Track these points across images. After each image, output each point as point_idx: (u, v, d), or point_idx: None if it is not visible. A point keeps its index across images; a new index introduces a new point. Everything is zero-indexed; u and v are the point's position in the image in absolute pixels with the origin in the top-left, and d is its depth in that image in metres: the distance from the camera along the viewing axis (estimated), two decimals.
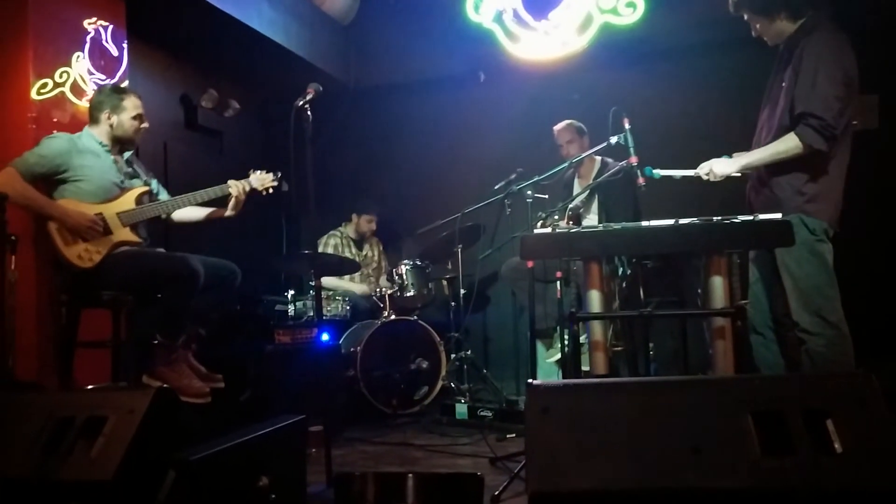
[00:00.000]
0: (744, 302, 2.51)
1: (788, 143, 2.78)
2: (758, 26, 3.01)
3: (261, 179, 3.56)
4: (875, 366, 1.67)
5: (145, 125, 3.47)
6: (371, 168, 5.90)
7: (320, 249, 5.17)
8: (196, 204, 3.46)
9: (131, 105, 3.40)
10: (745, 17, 3.04)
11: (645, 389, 1.73)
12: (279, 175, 3.62)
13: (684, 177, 3.04)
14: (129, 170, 3.50)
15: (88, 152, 3.29)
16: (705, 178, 2.93)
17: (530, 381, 1.76)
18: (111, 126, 3.36)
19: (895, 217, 4.20)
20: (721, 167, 2.90)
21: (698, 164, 3.03)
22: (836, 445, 1.50)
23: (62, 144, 3.24)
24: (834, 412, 1.54)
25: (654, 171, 2.99)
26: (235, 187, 3.45)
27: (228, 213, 3.55)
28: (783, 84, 2.88)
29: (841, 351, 2.72)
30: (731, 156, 2.98)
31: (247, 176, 3.57)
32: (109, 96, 3.40)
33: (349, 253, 5.29)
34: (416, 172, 5.71)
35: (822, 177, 2.79)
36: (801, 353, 2.77)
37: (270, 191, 3.60)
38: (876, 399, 1.55)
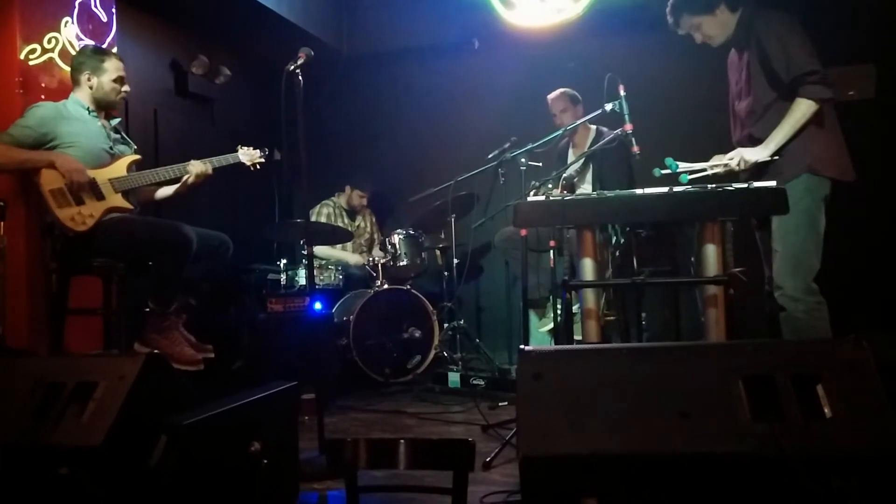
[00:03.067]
0: (737, 270, 2.51)
1: (801, 108, 2.80)
2: (702, 28, 3.06)
3: (249, 155, 3.56)
4: (867, 335, 1.66)
5: (126, 89, 3.41)
6: (364, 136, 5.85)
7: (313, 218, 5.14)
8: (163, 180, 3.40)
9: (112, 67, 3.34)
10: (687, 28, 3.09)
11: (636, 355, 1.73)
12: (266, 151, 3.61)
13: (706, 169, 2.95)
14: (118, 136, 3.46)
15: (75, 119, 3.25)
16: (736, 167, 2.89)
17: (522, 346, 1.76)
18: (91, 88, 3.32)
19: (890, 188, 4.19)
20: (752, 155, 2.88)
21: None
22: (826, 410, 1.50)
23: (47, 112, 3.20)
24: (824, 377, 1.54)
25: (676, 165, 2.90)
26: (195, 166, 3.37)
27: (184, 190, 3.44)
28: (749, 74, 2.94)
29: (819, 317, 2.77)
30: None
31: (235, 149, 3.55)
32: (90, 57, 3.35)
33: (342, 223, 5.26)
34: (409, 140, 5.66)
35: (823, 133, 2.82)
36: (780, 318, 2.80)
37: (258, 167, 3.58)
38: (865, 364, 1.56)
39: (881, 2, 4.37)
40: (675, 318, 2.89)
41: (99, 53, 3.38)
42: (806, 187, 2.75)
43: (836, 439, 1.46)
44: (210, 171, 3.41)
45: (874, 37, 4.46)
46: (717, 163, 2.93)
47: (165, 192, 3.58)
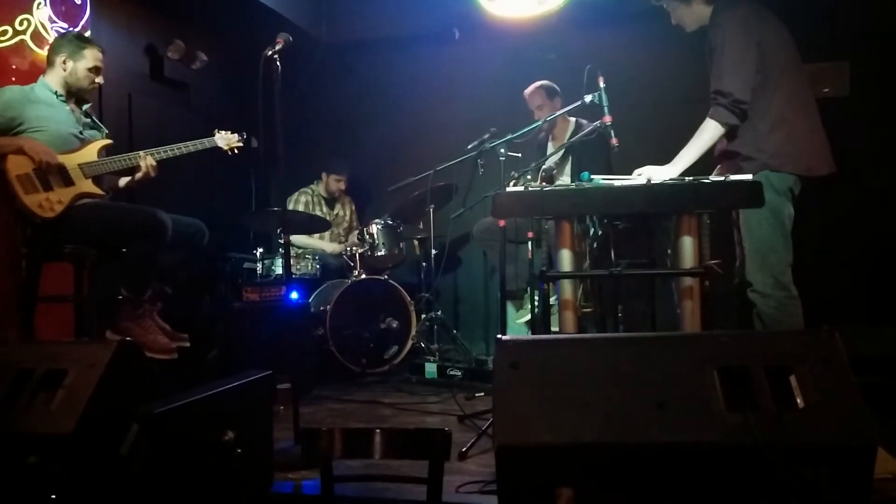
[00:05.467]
0: (713, 262, 2.52)
1: (708, 129, 2.83)
2: (677, 13, 3.05)
3: (226, 139, 3.52)
4: (839, 329, 1.68)
5: (100, 80, 3.37)
6: (342, 125, 5.80)
7: (291, 206, 5.10)
8: (127, 167, 3.35)
9: (91, 56, 3.30)
10: (665, 5, 3.08)
11: (613, 345, 1.74)
12: (244, 135, 3.57)
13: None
14: (88, 121, 3.40)
15: (42, 103, 3.20)
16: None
17: (500, 336, 1.76)
18: (65, 71, 3.25)
19: (861, 186, 4.25)
20: (658, 175, 2.85)
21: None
22: (799, 400, 1.52)
23: (13, 96, 3.15)
24: (797, 368, 1.56)
25: (592, 179, 2.95)
26: (145, 160, 3.31)
27: (133, 184, 3.40)
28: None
29: (791, 313, 2.77)
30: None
31: (212, 134, 3.51)
32: (71, 41, 3.30)
33: (320, 211, 5.23)
34: (388, 130, 5.63)
35: (780, 132, 2.79)
36: (752, 314, 2.81)
37: (236, 151, 3.55)
38: (838, 356, 1.57)
39: (854, 2, 4.42)
40: (651, 310, 2.91)
41: (80, 40, 3.34)
42: (765, 181, 2.74)
43: (809, 429, 1.48)
44: (154, 163, 3.33)
45: (848, 34, 4.51)
46: (627, 181, 2.93)
47: (125, 181, 3.52)
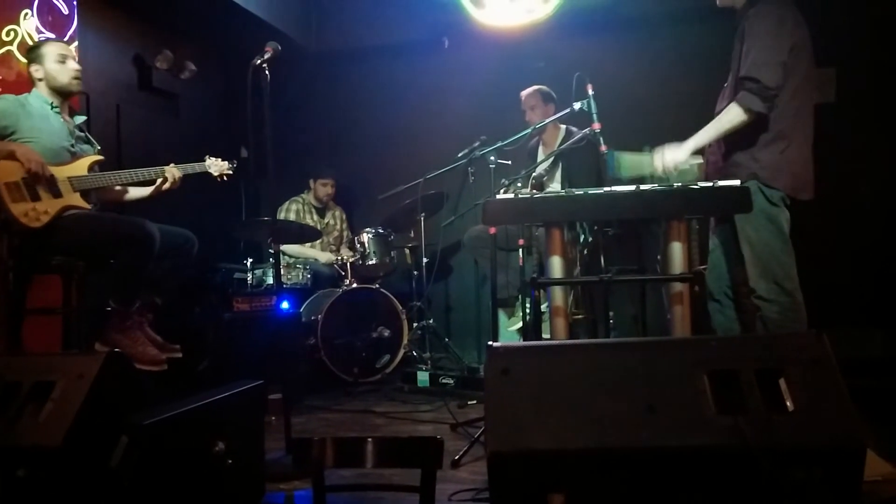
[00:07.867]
0: (702, 267, 2.53)
1: (731, 112, 2.78)
2: None
3: (218, 166, 3.58)
4: (828, 333, 1.69)
5: (75, 66, 3.32)
6: (332, 134, 5.81)
7: (282, 215, 5.10)
8: (139, 182, 3.40)
9: (49, 50, 3.27)
10: None
11: (603, 350, 1.74)
12: (235, 163, 3.61)
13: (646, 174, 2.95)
14: (82, 135, 3.39)
15: (37, 115, 3.19)
16: (661, 171, 2.87)
17: (491, 342, 1.76)
18: (42, 79, 3.26)
19: (850, 190, 4.29)
20: (672, 154, 2.84)
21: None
22: (788, 403, 1.52)
23: (8, 105, 3.13)
24: (786, 371, 1.57)
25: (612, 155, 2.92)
26: (171, 174, 3.40)
27: (156, 193, 3.48)
28: (734, 57, 2.89)
29: (795, 318, 2.76)
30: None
31: (202, 158, 3.54)
32: (30, 52, 3.32)
33: (311, 220, 5.22)
34: (378, 138, 5.64)
35: (777, 145, 2.78)
36: (755, 319, 2.81)
37: (225, 178, 3.57)
38: (826, 359, 1.58)
39: (841, 6, 4.45)
40: (641, 316, 2.92)
41: (35, 46, 3.34)
42: (757, 188, 2.73)
43: (798, 432, 1.49)
44: (180, 174, 3.44)
45: (834, 41, 4.54)
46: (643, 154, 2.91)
47: (140, 192, 3.52)
